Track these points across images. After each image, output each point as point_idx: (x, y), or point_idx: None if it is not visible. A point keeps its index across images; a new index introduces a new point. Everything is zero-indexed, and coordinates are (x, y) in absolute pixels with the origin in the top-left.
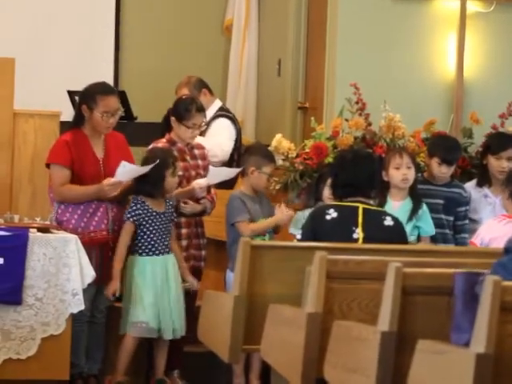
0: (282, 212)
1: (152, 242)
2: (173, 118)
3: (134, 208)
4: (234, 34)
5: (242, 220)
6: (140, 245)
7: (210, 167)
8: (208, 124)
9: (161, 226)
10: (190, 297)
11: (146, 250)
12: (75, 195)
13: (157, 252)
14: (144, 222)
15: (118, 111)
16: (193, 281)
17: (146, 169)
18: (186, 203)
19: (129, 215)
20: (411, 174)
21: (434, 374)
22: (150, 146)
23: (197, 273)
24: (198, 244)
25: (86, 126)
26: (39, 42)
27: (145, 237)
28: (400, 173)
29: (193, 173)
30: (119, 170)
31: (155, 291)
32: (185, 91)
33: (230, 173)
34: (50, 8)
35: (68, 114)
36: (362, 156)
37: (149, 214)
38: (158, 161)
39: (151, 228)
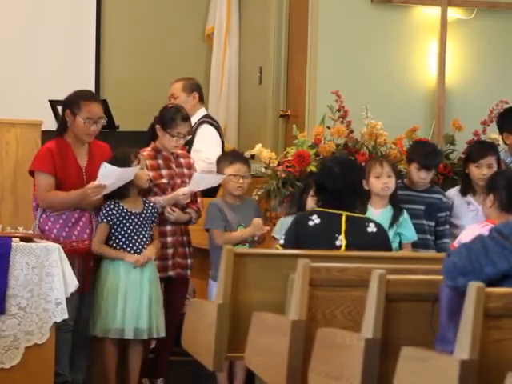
0: (257, 226)
1: (127, 242)
2: (158, 126)
3: (108, 209)
4: (215, 42)
5: (215, 228)
6: (115, 245)
7: (194, 174)
8: (193, 132)
9: (137, 227)
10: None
11: (121, 250)
12: (60, 200)
13: (131, 252)
14: (118, 222)
15: (101, 119)
16: None
17: (131, 173)
18: (173, 210)
19: (103, 216)
20: (392, 183)
21: (419, 381)
22: None
23: (183, 281)
24: (184, 252)
25: (69, 134)
26: (20, 52)
27: (119, 237)
28: (380, 182)
29: (178, 181)
30: (101, 172)
31: (128, 291)
32: (178, 85)
33: (215, 180)
34: (30, 17)
35: (49, 123)
36: (348, 165)
37: (123, 214)
38: (138, 164)
39: (125, 228)
